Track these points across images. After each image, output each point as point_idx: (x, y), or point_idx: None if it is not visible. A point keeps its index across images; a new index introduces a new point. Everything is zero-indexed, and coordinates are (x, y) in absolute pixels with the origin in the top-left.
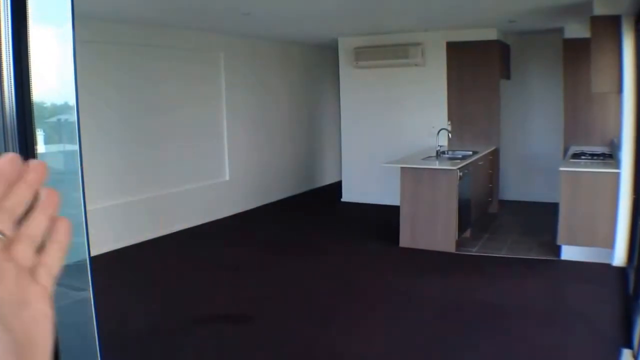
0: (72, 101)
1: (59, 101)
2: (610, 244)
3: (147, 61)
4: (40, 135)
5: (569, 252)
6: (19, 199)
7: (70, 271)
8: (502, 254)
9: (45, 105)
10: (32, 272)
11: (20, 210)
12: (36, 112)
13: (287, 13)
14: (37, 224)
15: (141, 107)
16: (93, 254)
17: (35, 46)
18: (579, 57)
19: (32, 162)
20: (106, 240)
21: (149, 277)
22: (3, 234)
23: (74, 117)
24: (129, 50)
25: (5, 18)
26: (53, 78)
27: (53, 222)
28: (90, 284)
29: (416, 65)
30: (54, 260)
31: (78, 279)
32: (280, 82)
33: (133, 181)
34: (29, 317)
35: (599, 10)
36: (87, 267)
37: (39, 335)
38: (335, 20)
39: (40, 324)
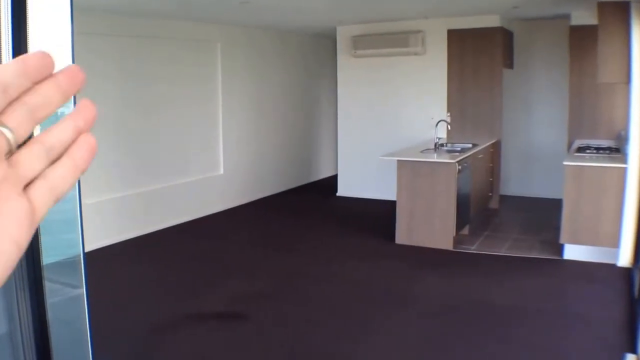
0: None
1: None
2: (616, 243)
3: (143, 52)
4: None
5: (572, 252)
6: (44, 99)
7: (64, 268)
8: (502, 252)
9: None
10: (27, 185)
11: (43, 113)
12: None
13: (285, 1)
14: (59, 132)
15: (136, 99)
16: (85, 249)
17: (34, 38)
18: (586, 45)
19: (68, 65)
20: (98, 235)
21: (141, 273)
22: (12, 133)
23: (70, 110)
24: (124, 41)
25: (5, 11)
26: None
27: (78, 136)
28: (84, 281)
29: (416, 53)
30: (60, 180)
31: (72, 276)
32: (277, 72)
33: (126, 175)
34: None
35: None
36: (80, 263)
37: None
38: (333, 7)
39: None
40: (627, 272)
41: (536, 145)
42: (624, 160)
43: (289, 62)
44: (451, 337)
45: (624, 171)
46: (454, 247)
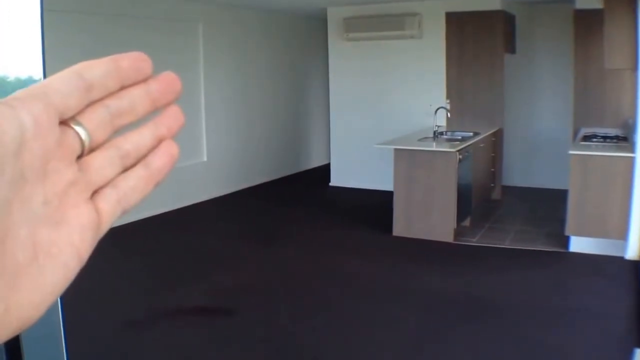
0: (38, 75)
1: (23, 75)
2: (624, 235)
3: (119, 32)
4: None
5: (578, 244)
6: (129, 106)
7: None
8: (505, 244)
9: (8, 80)
10: (97, 191)
11: (125, 120)
12: None
13: None
14: (137, 138)
15: None
16: None
17: None
18: (591, 30)
19: (164, 73)
20: None
21: (120, 266)
22: (88, 135)
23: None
24: (98, 20)
25: None
26: (17, 50)
27: (158, 144)
28: None
29: (412, 37)
30: (131, 190)
31: None
32: (264, 55)
33: None
34: (44, 243)
35: None
36: None
37: (35, 279)
38: None
39: (51, 262)
40: (635, 265)
41: (540, 134)
42: (632, 150)
43: (277, 45)
44: (450, 334)
45: (631, 161)
46: (455, 239)
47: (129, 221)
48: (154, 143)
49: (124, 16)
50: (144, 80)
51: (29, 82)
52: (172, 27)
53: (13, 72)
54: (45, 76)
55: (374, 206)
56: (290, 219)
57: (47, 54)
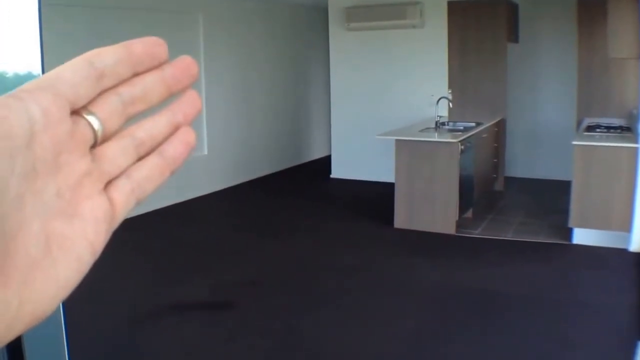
0: (37, 70)
1: (22, 70)
2: (627, 227)
3: (117, 25)
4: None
5: (582, 236)
6: (142, 93)
7: None
8: (508, 237)
9: (7, 75)
10: (110, 182)
11: (138, 108)
12: None
13: None
14: (152, 126)
15: None
16: None
17: None
18: (595, 19)
19: (180, 58)
20: None
21: (120, 260)
22: (101, 124)
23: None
24: (96, 12)
25: None
26: (16, 45)
27: (175, 131)
28: None
29: (414, 27)
30: (145, 180)
31: None
32: (264, 46)
33: None
34: (57, 236)
35: None
36: None
37: (48, 277)
38: None
39: (65, 256)
40: (639, 258)
41: (543, 124)
42: (636, 140)
43: (278, 36)
44: (452, 327)
45: (636, 151)
46: (457, 231)
47: (129, 216)
48: (170, 130)
49: (123, 8)
50: (159, 65)
51: (27, 77)
52: (172, 18)
53: (11, 67)
54: (43, 71)
55: (375, 198)
56: (291, 211)
57: (45, 47)
